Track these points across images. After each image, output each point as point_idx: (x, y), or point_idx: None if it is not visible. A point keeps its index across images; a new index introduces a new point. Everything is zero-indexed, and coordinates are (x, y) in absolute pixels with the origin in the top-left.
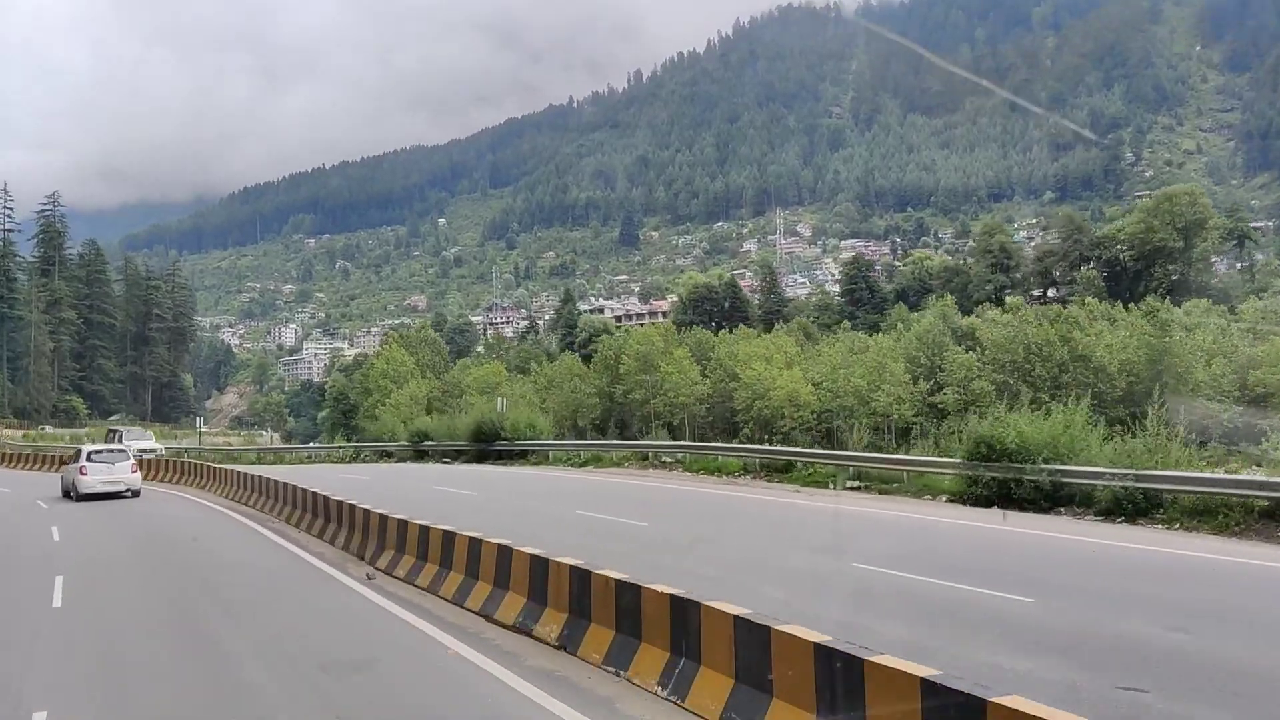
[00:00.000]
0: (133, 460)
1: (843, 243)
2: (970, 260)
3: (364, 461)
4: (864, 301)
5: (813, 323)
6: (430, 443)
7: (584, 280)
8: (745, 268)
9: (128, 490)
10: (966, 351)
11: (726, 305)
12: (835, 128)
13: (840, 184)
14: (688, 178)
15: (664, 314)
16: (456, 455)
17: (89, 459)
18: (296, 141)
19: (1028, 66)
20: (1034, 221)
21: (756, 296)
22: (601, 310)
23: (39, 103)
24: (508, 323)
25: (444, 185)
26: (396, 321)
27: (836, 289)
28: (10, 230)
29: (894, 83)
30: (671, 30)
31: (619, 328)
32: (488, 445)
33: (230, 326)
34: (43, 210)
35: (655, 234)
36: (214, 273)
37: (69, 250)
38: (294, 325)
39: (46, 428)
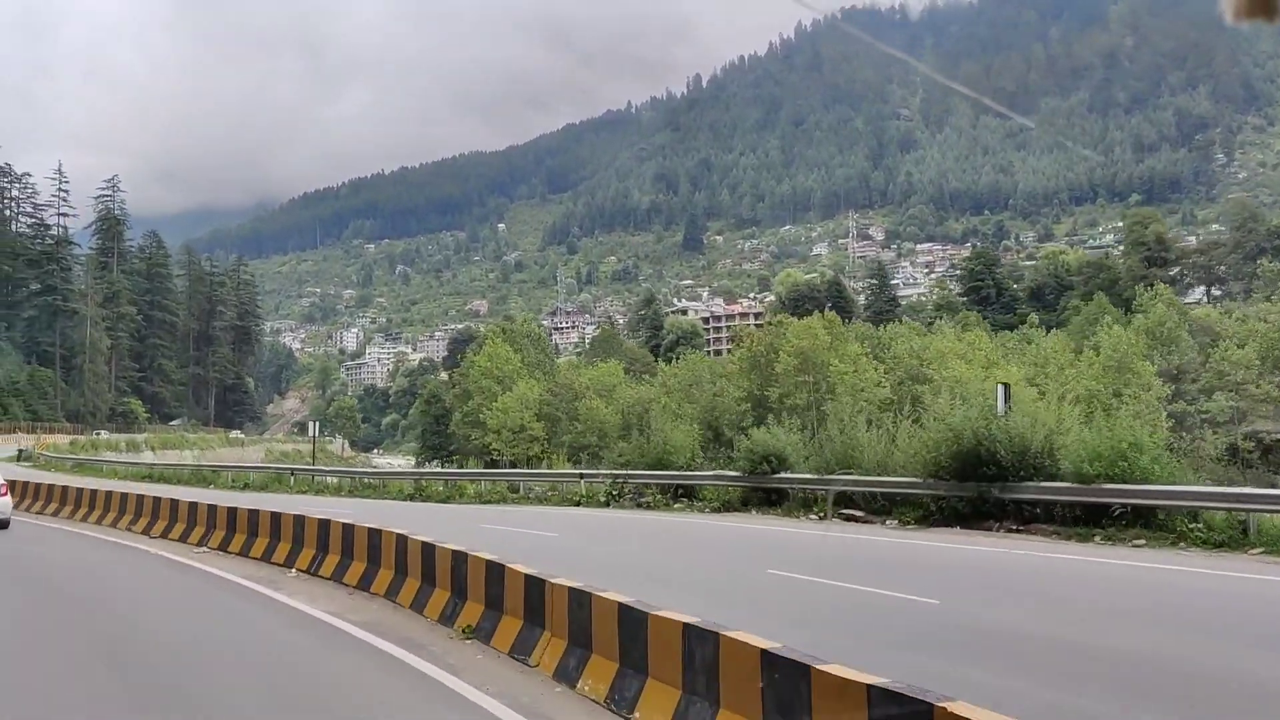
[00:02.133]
0: (2, 480)
1: (918, 246)
2: (1116, 254)
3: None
4: (990, 300)
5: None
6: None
7: (649, 285)
8: (816, 272)
9: None
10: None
11: (830, 305)
12: (905, 130)
13: (913, 186)
14: (753, 181)
15: (757, 315)
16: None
17: None
18: (352, 146)
19: (1106, 66)
20: (1120, 225)
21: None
22: (685, 312)
23: (97, 106)
24: (573, 327)
25: (503, 191)
26: (459, 326)
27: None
28: (66, 215)
29: (964, 83)
30: (729, 33)
31: (707, 329)
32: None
33: (291, 331)
34: (100, 197)
35: (720, 238)
36: (274, 277)
37: (128, 243)
38: (355, 330)
39: (102, 432)
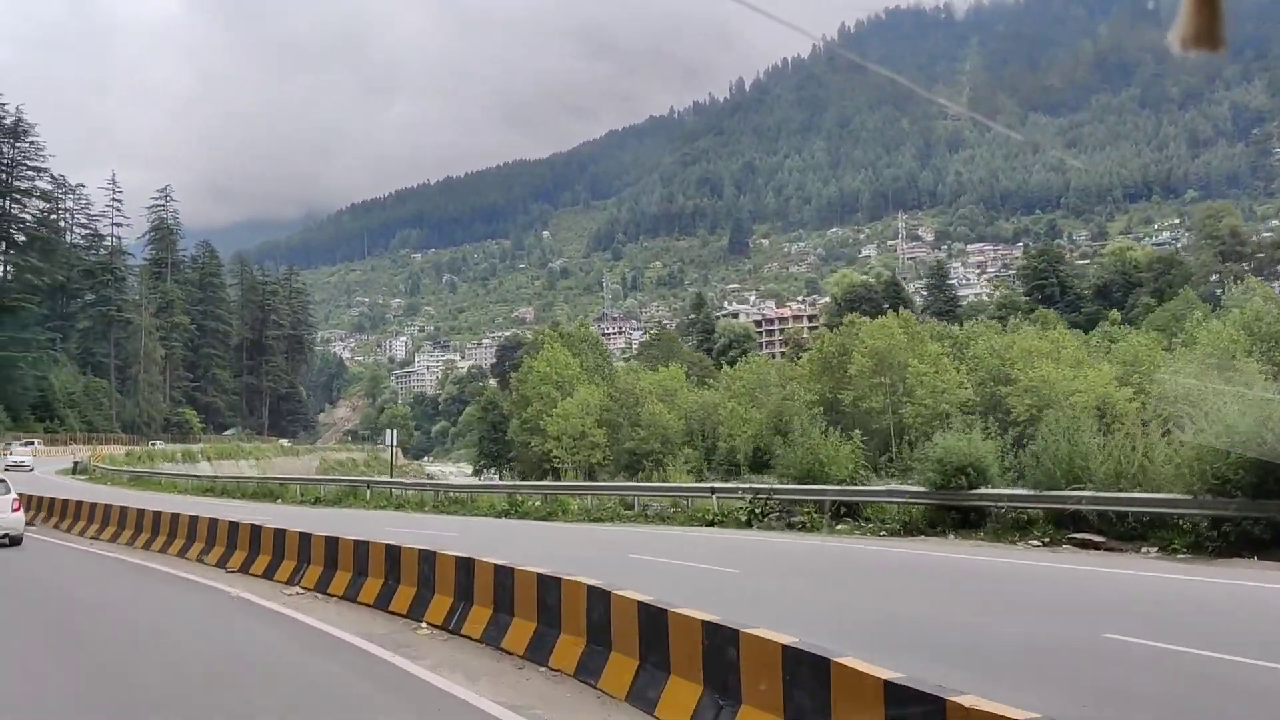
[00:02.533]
0: (14, 494)
1: (968, 246)
2: (1183, 249)
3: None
4: (1054, 299)
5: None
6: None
7: (695, 289)
8: (866, 273)
9: (5, 536)
10: None
11: (887, 305)
12: (952, 129)
13: (962, 186)
14: (798, 183)
15: (810, 317)
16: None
17: None
18: (399, 157)
19: (1157, 61)
20: (1176, 222)
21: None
22: (735, 315)
23: (148, 123)
24: (619, 333)
25: (546, 198)
26: (507, 333)
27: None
28: (119, 225)
29: (1011, 82)
30: (770, 36)
31: (759, 332)
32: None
33: (341, 340)
34: (154, 207)
35: (766, 241)
36: (324, 287)
37: (181, 253)
38: (404, 338)
39: (157, 443)
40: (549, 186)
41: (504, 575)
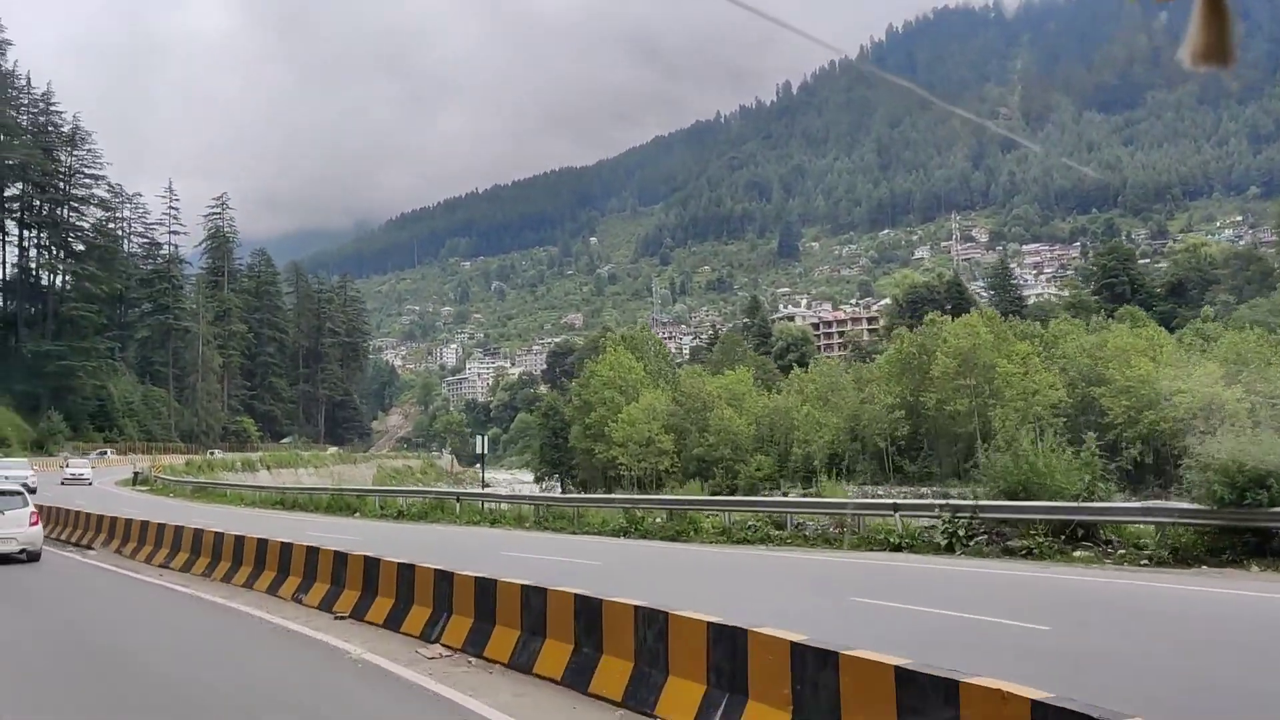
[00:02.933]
0: (32, 507)
1: (1024, 247)
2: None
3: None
4: (1125, 297)
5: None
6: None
7: (744, 293)
8: (927, 274)
9: (21, 551)
10: None
11: (950, 306)
12: (1005, 128)
13: (1015, 186)
14: (848, 185)
15: (870, 319)
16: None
17: None
18: (447, 166)
19: None
20: (1239, 219)
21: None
22: (791, 318)
23: (201, 136)
24: (669, 338)
25: (594, 204)
26: (557, 339)
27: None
28: (176, 233)
29: (1064, 79)
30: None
31: (817, 335)
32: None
33: (392, 348)
34: (210, 215)
35: (815, 244)
36: (375, 296)
37: (237, 262)
38: (454, 346)
39: (215, 451)
40: (596, 193)
41: (729, 637)
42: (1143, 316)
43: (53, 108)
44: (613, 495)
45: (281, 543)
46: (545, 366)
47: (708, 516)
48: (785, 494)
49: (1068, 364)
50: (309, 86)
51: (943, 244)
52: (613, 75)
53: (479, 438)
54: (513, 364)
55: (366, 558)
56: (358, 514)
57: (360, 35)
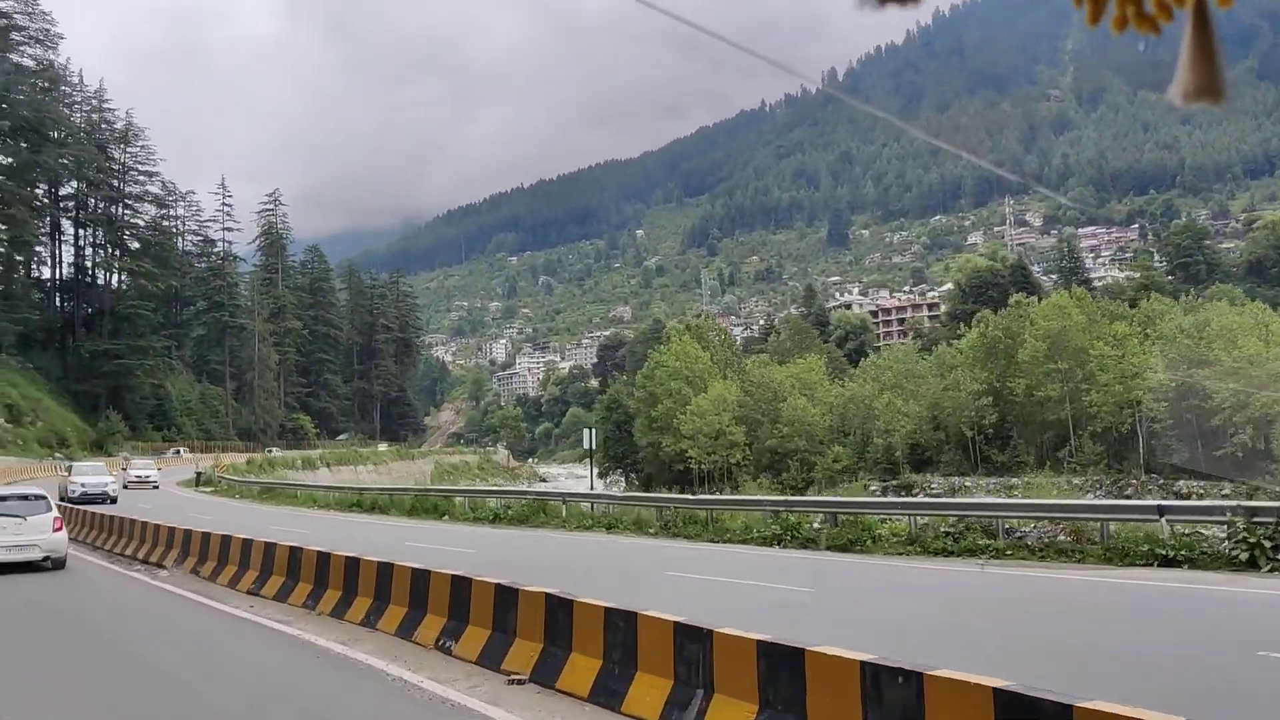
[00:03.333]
0: (55, 512)
1: (1079, 230)
2: None
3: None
4: (1199, 277)
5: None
6: None
7: (794, 282)
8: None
9: (46, 559)
10: None
11: (1014, 290)
12: (1057, 110)
13: (1069, 169)
14: (898, 171)
15: (931, 306)
16: None
17: None
18: (491, 162)
19: (1275, 30)
20: None
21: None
22: (849, 306)
23: (248, 137)
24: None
25: (639, 197)
26: (606, 333)
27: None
28: (230, 230)
29: (1117, 58)
30: (862, 25)
31: (876, 322)
32: None
33: (442, 345)
34: (262, 212)
35: (865, 232)
36: (423, 293)
37: (290, 258)
38: (503, 341)
39: (274, 450)
40: (641, 185)
41: None
42: (1240, 295)
43: (105, 105)
44: (759, 497)
45: (413, 569)
46: (596, 360)
47: (884, 521)
48: (866, 487)
49: (1166, 345)
50: (354, 88)
51: (996, 229)
52: (655, 68)
53: (585, 431)
54: (562, 358)
55: (550, 596)
56: (446, 517)
57: (405, 36)
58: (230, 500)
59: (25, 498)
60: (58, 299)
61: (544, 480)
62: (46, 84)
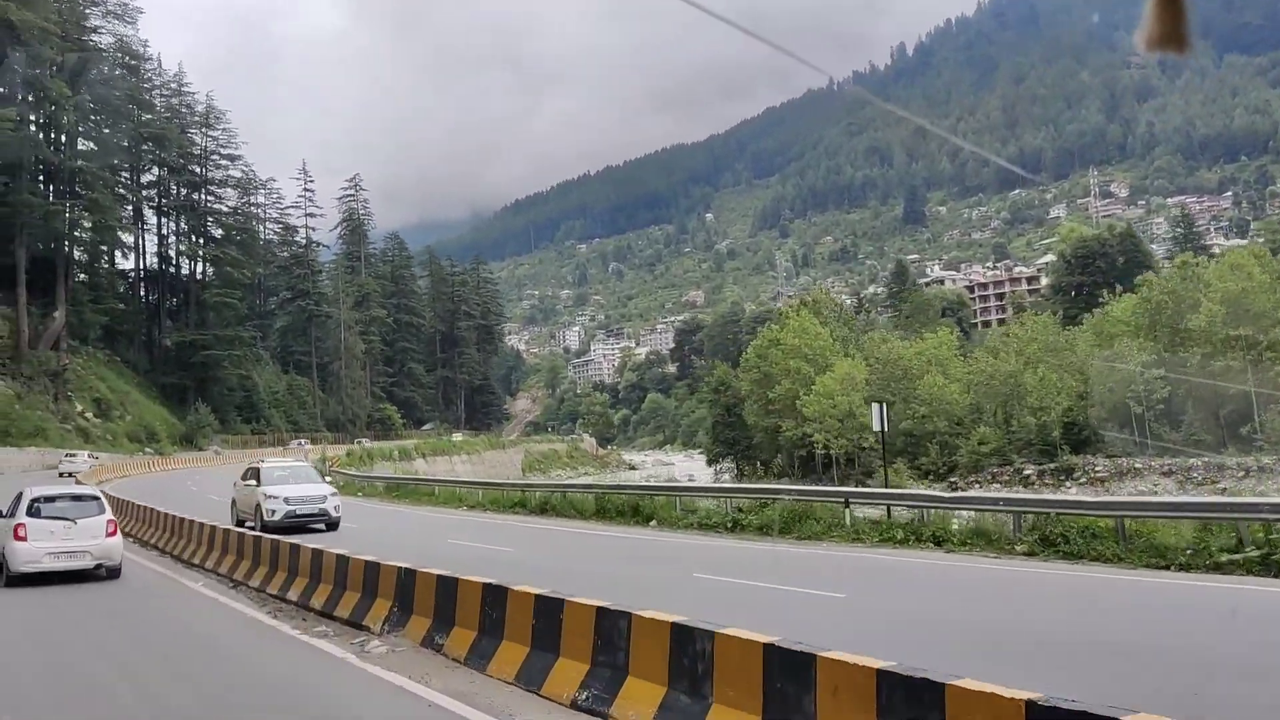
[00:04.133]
0: (109, 514)
1: (1168, 200)
2: None
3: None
4: None
5: None
6: None
7: (872, 262)
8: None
9: (100, 566)
10: None
11: (1122, 260)
12: (1139, 77)
13: (1155, 137)
14: (974, 145)
15: (1030, 279)
16: None
17: (30, 510)
18: (558, 150)
19: None
20: None
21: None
22: (942, 281)
23: (317, 133)
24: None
25: (707, 180)
26: (682, 318)
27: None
28: (312, 215)
29: (1202, 21)
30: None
31: (973, 299)
32: None
33: (515, 334)
34: (343, 197)
35: (942, 209)
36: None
37: (371, 246)
38: (576, 329)
39: (364, 441)
40: (709, 169)
41: None
42: None
43: (184, 88)
44: (1146, 499)
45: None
46: (673, 345)
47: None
48: (1020, 471)
49: None
50: (422, 80)
51: (1079, 201)
52: (719, 49)
53: (874, 406)
54: (637, 344)
55: None
56: (654, 522)
57: (469, 28)
58: (356, 500)
59: (77, 498)
60: (142, 289)
61: (633, 468)
62: (128, 58)
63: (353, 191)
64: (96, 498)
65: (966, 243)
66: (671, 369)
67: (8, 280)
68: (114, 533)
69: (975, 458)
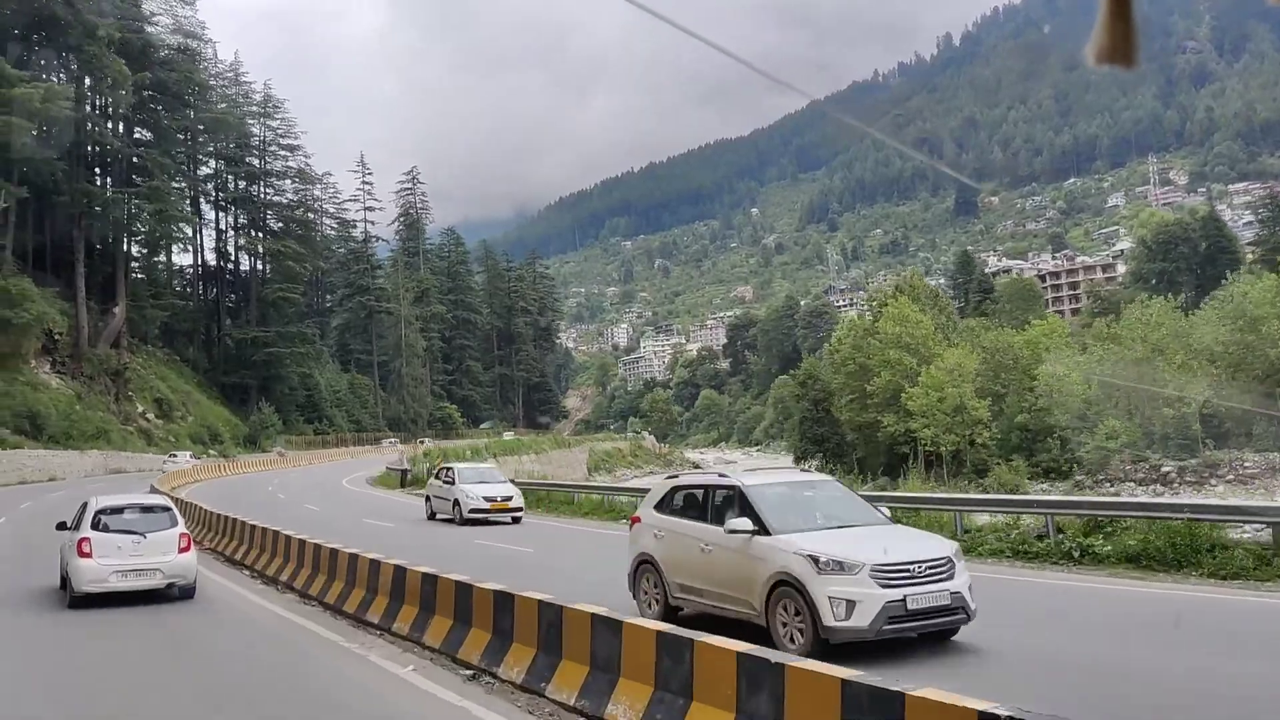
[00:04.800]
0: (181, 526)
1: (1230, 187)
2: None
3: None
4: None
5: None
6: None
7: (925, 254)
8: (1116, 223)
9: (172, 585)
10: None
11: (1205, 246)
12: (1196, 62)
13: (1214, 123)
14: (1026, 135)
15: (1105, 267)
16: None
17: (95, 523)
18: (601, 148)
19: None
20: None
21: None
22: (1009, 271)
23: (363, 133)
24: (850, 305)
25: (752, 175)
26: (733, 313)
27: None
28: (370, 209)
29: (1260, 4)
30: None
31: (1044, 287)
32: None
33: (563, 331)
34: (401, 190)
35: (995, 199)
36: None
37: (427, 240)
38: (624, 325)
39: (425, 440)
40: (753, 163)
41: None
42: None
43: (241, 77)
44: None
45: None
46: (725, 341)
47: None
48: (1158, 468)
49: None
50: (465, 80)
51: (1137, 189)
52: (762, 43)
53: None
54: (687, 340)
55: None
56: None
57: (510, 26)
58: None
59: (146, 509)
60: (200, 286)
61: (697, 466)
62: (188, 39)
63: (410, 185)
64: (168, 508)
65: (1021, 233)
66: (724, 365)
67: (64, 275)
68: (187, 547)
69: (1103, 454)
